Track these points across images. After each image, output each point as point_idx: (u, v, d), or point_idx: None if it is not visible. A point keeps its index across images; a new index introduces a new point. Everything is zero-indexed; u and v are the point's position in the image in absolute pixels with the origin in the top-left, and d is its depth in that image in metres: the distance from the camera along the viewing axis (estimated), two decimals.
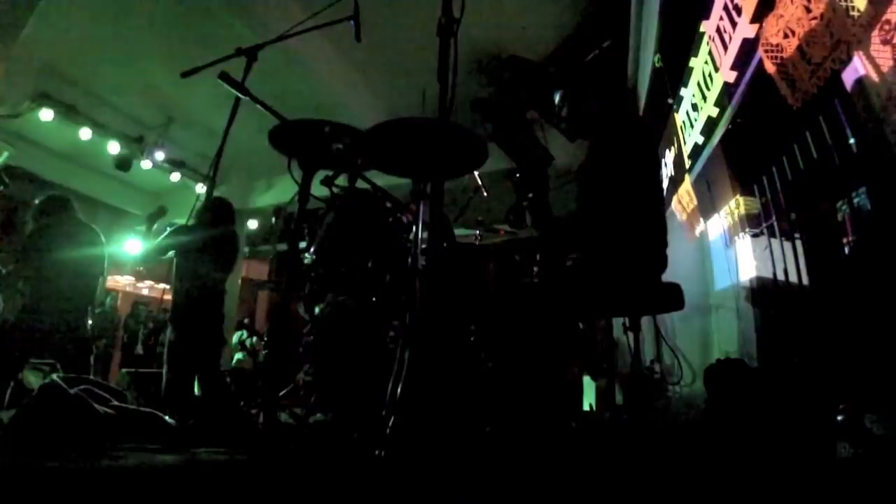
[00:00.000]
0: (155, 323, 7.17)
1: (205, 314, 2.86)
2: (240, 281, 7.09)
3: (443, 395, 1.71)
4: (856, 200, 2.10)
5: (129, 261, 5.03)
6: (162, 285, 5.81)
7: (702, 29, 2.42)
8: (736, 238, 3.21)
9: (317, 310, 2.26)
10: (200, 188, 5.93)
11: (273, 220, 6.78)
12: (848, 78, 1.51)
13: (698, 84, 2.59)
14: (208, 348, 2.87)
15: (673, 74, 2.98)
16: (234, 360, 7.02)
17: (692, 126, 2.79)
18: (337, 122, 1.62)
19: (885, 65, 1.32)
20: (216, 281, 2.96)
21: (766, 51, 1.74)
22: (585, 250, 1.84)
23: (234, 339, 7.04)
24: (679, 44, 2.79)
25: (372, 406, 1.62)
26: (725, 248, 3.33)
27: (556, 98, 1.98)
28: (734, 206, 3.24)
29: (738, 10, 1.96)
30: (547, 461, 1.32)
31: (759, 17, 1.82)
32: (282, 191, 6.38)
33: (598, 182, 1.80)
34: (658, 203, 1.86)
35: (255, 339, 7.01)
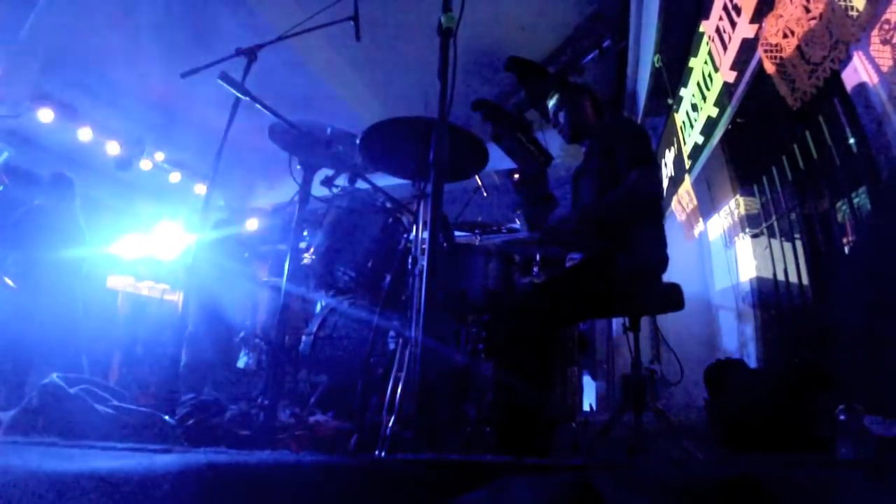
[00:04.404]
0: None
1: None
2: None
3: (442, 395, 1.71)
4: (856, 200, 2.10)
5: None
6: (162, 285, 5.80)
7: (701, 29, 2.42)
8: (736, 238, 3.22)
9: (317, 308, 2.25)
10: (200, 188, 5.93)
11: (273, 220, 6.78)
12: (848, 78, 1.51)
13: (698, 84, 2.59)
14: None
15: (673, 74, 2.99)
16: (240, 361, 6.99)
17: (692, 126, 2.79)
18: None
19: (885, 65, 1.32)
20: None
21: (766, 51, 1.74)
22: (585, 251, 1.84)
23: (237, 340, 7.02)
24: (679, 44, 2.79)
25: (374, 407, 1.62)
26: (725, 249, 3.33)
27: (551, 104, 1.98)
28: (734, 206, 3.24)
29: (738, 10, 1.96)
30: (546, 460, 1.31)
31: (758, 17, 1.82)
32: (282, 191, 6.38)
33: (597, 184, 1.80)
34: (657, 204, 1.86)
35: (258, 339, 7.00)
